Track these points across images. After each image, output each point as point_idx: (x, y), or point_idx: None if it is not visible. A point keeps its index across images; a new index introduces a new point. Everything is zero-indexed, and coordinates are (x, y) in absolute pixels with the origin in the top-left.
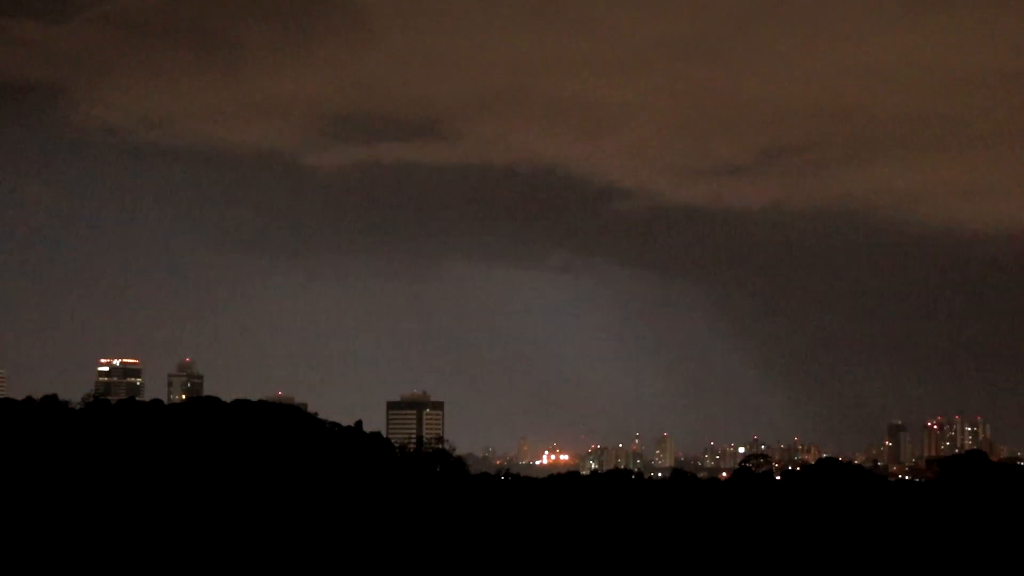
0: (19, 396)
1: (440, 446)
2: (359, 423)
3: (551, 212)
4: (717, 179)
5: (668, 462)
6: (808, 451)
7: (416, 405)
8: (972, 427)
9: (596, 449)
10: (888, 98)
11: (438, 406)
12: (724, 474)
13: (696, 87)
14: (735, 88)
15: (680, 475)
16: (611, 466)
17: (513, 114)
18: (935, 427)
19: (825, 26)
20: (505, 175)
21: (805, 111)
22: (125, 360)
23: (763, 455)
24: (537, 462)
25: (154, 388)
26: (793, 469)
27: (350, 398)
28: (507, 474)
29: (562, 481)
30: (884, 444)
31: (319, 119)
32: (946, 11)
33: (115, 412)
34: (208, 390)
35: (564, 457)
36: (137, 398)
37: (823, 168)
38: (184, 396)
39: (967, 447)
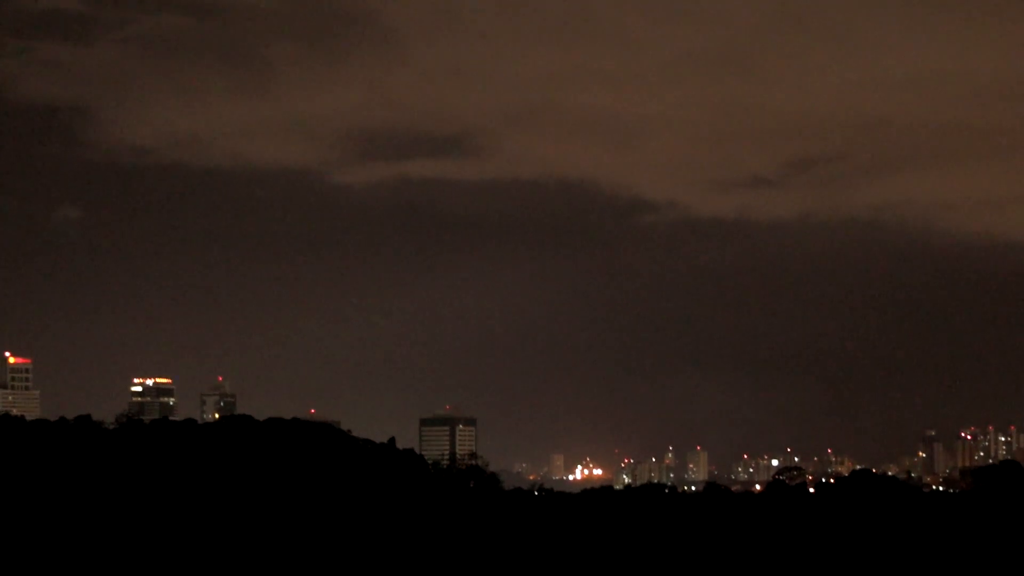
0: (53, 417)
1: (473, 462)
2: (392, 440)
3: (578, 226)
4: (744, 191)
5: (701, 475)
6: (842, 463)
7: (449, 421)
8: (1006, 437)
9: (629, 463)
10: (916, 108)
11: (471, 422)
12: (758, 487)
13: (723, 100)
14: (762, 100)
15: (714, 488)
16: (644, 480)
17: (540, 128)
18: (968, 437)
19: (852, 37)
20: (533, 189)
21: (832, 122)
22: (158, 379)
23: (797, 467)
24: (570, 477)
25: (187, 407)
26: (827, 481)
27: (383, 415)
28: (541, 489)
29: (596, 496)
30: (918, 455)
31: (348, 137)
32: (974, 21)
33: (149, 432)
34: (241, 409)
35: (597, 472)
36: (170, 417)
37: (851, 179)
38: (217, 415)
39: (1001, 457)
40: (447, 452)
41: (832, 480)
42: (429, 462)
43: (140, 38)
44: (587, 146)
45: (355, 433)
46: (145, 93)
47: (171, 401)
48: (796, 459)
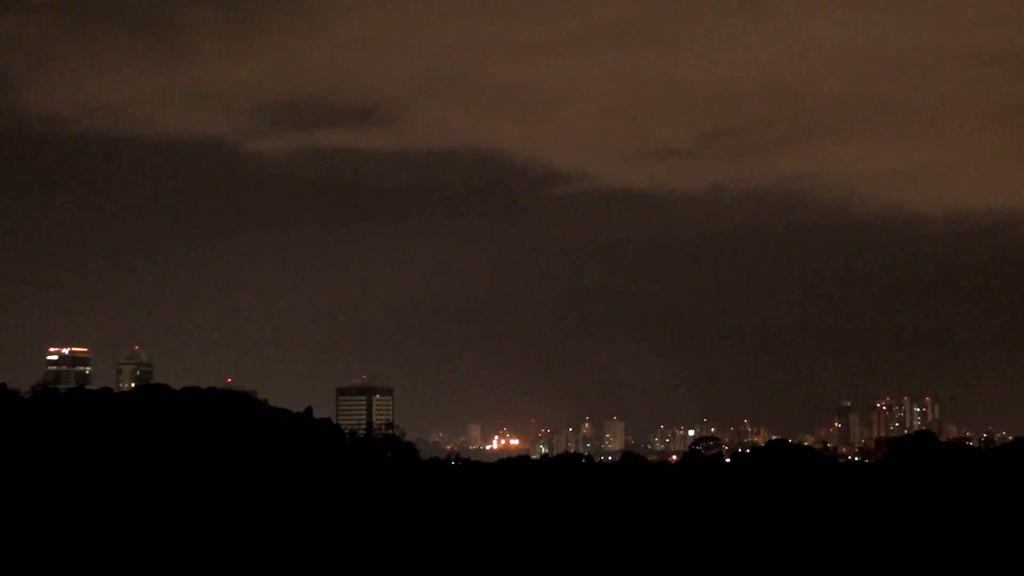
0: None
1: (390, 432)
2: (309, 410)
3: (492, 196)
4: (657, 163)
5: (618, 445)
6: (758, 433)
7: (365, 391)
8: (921, 408)
9: (546, 433)
10: (829, 80)
11: (388, 392)
12: (674, 457)
13: (636, 71)
14: (675, 71)
15: (630, 458)
16: (561, 450)
17: (453, 99)
18: (884, 408)
19: (765, 7)
20: (445, 160)
21: (745, 94)
22: (74, 349)
23: (713, 437)
24: (487, 447)
25: (103, 377)
26: (743, 451)
27: (300, 385)
28: (457, 459)
29: (512, 465)
30: (833, 426)
31: (261, 106)
32: None
33: (65, 401)
34: (158, 378)
35: (514, 442)
36: (86, 386)
37: (763, 151)
38: (133, 384)
39: (916, 428)
40: (364, 422)
41: (748, 450)
42: (346, 432)
43: (54, 6)
44: (500, 117)
45: (272, 403)
46: (58, 61)
47: (87, 370)
48: (712, 429)
